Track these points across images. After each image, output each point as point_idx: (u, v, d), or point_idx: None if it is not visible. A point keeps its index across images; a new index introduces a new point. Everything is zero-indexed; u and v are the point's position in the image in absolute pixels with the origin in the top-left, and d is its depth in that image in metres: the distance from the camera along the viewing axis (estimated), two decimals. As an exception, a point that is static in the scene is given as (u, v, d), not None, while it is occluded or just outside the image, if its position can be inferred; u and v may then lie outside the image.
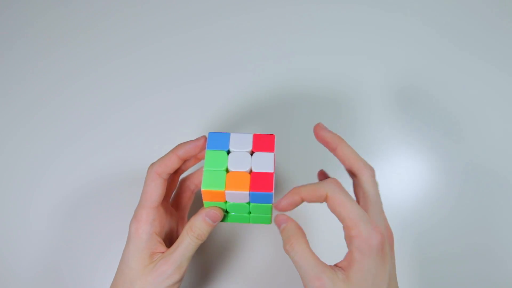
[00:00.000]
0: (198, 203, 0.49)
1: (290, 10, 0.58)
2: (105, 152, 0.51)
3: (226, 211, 0.37)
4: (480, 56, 0.55)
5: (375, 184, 0.35)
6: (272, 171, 0.34)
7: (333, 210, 0.33)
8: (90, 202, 0.49)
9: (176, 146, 0.37)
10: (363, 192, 0.34)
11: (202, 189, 0.34)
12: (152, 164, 0.37)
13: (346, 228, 0.33)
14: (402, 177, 0.50)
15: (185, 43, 0.57)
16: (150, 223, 0.36)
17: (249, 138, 0.35)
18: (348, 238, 0.33)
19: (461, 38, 0.56)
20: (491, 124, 0.52)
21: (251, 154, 0.35)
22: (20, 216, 0.49)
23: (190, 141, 0.37)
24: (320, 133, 0.36)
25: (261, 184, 0.34)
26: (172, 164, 0.36)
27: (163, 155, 0.38)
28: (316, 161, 0.49)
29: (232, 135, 0.35)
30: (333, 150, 0.36)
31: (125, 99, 0.54)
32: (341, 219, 0.33)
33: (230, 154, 0.35)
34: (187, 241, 0.35)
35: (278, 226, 0.36)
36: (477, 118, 0.52)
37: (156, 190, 0.36)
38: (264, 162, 0.34)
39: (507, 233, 0.48)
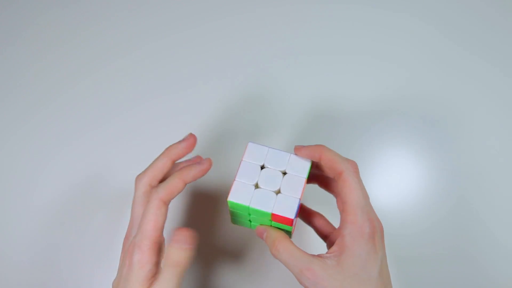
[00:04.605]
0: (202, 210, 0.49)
1: (290, 9, 0.58)
2: (103, 153, 0.51)
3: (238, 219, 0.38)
4: (483, 57, 0.55)
5: (358, 177, 0.34)
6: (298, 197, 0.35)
7: (340, 190, 0.34)
8: (89, 202, 0.49)
9: (180, 171, 0.35)
10: (349, 188, 0.34)
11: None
12: (155, 192, 0.35)
13: (344, 212, 0.34)
14: (401, 178, 0.50)
15: (181, 47, 0.56)
16: (155, 253, 0.34)
17: (286, 157, 0.36)
18: (343, 223, 0.34)
19: (463, 38, 0.56)
20: (491, 126, 0.52)
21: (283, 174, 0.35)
22: (19, 215, 0.49)
23: (194, 166, 0.36)
24: (302, 152, 0.36)
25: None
26: (178, 190, 0.35)
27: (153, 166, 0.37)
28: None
29: (270, 150, 0.36)
30: (320, 161, 0.35)
31: (122, 102, 0.54)
32: (343, 202, 0.34)
33: (263, 170, 0.35)
34: (165, 273, 0.33)
35: (261, 236, 0.36)
36: (477, 120, 0.52)
37: (162, 218, 0.34)
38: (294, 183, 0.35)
39: (500, 235, 0.48)
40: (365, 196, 0.34)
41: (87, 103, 0.54)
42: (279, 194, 0.34)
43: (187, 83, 0.54)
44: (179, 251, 0.33)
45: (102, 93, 0.54)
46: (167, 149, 0.37)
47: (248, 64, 0.55)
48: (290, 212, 0.34)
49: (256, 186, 0.35)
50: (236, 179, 0.35)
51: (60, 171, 0.51)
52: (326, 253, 0.34)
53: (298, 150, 0.36)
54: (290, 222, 0.34)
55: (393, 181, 0.50)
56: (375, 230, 0.33)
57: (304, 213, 0.41)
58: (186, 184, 0.35)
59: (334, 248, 0.33)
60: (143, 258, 0.33)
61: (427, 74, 0.54)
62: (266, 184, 0.35)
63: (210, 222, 0.48)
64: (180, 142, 0.37)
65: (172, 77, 0.55)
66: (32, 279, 0.47)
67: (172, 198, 0.35)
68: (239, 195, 0.34)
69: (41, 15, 0.58)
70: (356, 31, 0.56)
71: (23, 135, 0.52)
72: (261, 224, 0.36)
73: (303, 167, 0.35)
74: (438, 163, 0.50)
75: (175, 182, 0.35)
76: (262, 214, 0.34)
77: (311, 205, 0.41)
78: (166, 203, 0.35)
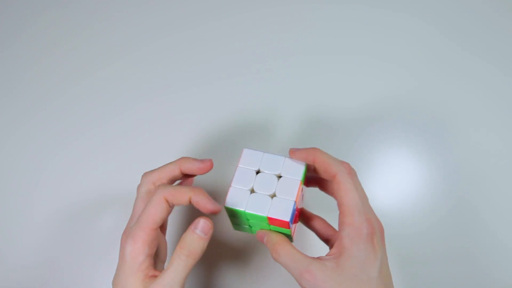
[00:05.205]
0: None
1: (290, 9, 0.58)
2: (103, 154, 0.51)
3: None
4: (483, 57, 0.55)
5: (352, 179, 0.34)
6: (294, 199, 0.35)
7: (335, 192, 0.34)
8: (89, 203, 0.49)
9: (194, 189, 0.34)
10: (344, 190, 0.34)
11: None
12: (162, 188, 0.34)
13: (341, 214, 0.34)
14: (402, 178, 0.50)
15: (181, 47, 0.56)
16: (148, 245, 0.33)
17: (281, 161, 0.36)
18: (341, 225, 0.34)
19: (463, 38, 0.56)
20: (491, 126, 0.52)
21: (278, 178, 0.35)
22: (19, 216, 0.49)
23: (208, 199, 0.34)
24: (296, 155, 0.36)
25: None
26: (183, 199, 0.34)
27: (161, 165, 0.36)
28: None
29: (264, 155, 0.36)
30: (314, 163, 0.35)
31: (124, 102, 0.54)
32: (339, 204, 0.34)
33: (258, 175, 0.35)
34: (177, 262, 0.32)
35: (261, 240, 0.36)
36: (477, 120, 0.52)
37: (160, 214, 0.33)
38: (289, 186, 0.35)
39: (501, 235, 0.48)
40: (362, 197, 0.34)
41: (87, 104, 0.54)
42: (274, 198, 0.34)
43: (187, 83, 0.54)
44: (196, 241, 0.33)
45: (101, 93, 0.54)
46: (181, 158, 0.37)
47: (248, 65, 0.55)
48: (285, 214, 0.34)
49: (252, 191, 0.35)
50: (232, 185, 0.35)
51: (60, 172, 0.51)
52: (326, 255, 0.34)
53: (292, 153, 0.36)
54: (286, 224, 0.34)
55: (393, 181, 0.50)
56: (374, 230, 0.33)
57: (305, 217, 0.41)
58: (190, 202, 0.34)
59: (333, 250, 0.33)
60: (135, 248, 0.33)
61: (427, 74, 0.54)
62: (261, 189, 0.35)
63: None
64: (196, 159, 0.37)
65: (171, 77, 0.55)
66: (32, 280, 0.47)
67: (175, 203, 0.34)
68: (235, 201, 0.34)
69: (41, 15, 0.59)
70: (356, 31, 0.56)
71: (23, 135, 0.52)
72: (261, 229, 0.36)
73: (298, 170, 0.35)
74: (438, 163, 0.50)
75: (184, 190, 0.34)
76: (259, 218, 0.34)
77: (312, 209, 0.41)
78: (169, 203, 0.34)
